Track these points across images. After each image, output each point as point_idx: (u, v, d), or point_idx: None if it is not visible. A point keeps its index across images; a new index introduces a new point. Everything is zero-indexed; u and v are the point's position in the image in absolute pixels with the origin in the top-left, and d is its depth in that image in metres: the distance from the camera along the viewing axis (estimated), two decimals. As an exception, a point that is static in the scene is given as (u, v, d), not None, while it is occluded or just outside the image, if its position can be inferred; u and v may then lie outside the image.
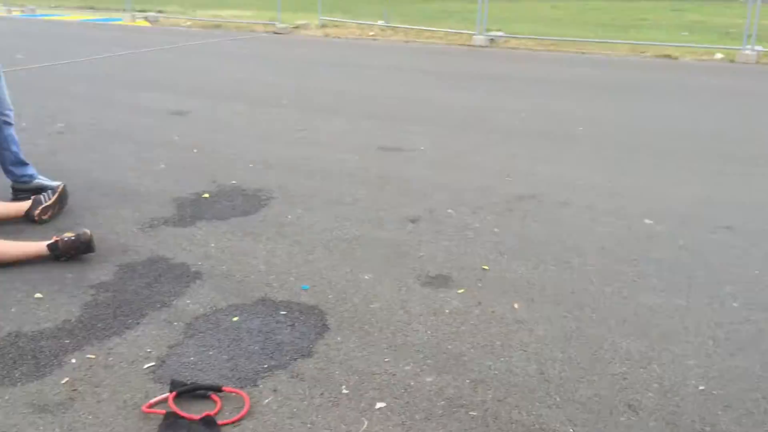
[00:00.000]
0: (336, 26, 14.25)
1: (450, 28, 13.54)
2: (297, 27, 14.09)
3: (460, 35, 12.73)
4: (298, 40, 12.99)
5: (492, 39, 12.15)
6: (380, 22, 14.17)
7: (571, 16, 16.29)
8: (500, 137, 5.96)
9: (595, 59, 10.71)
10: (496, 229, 4.00)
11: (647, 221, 4.15)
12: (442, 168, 5.12)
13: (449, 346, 2.81)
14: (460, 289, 3.29)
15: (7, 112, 4.29)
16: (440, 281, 3.38)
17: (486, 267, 3.52)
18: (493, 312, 3.08)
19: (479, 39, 12.02)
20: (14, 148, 4.34)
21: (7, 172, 4.37)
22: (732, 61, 10.41)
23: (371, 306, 3.14)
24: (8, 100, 4.30)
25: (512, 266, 3.53)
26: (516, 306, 3.13)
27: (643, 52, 11.11)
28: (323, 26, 14.21)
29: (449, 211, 4.29)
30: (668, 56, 10.79)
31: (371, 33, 13.50)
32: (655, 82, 8.74)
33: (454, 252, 3.71)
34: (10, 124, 4.31)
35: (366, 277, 3.42)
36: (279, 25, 13.84)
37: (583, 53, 11.29)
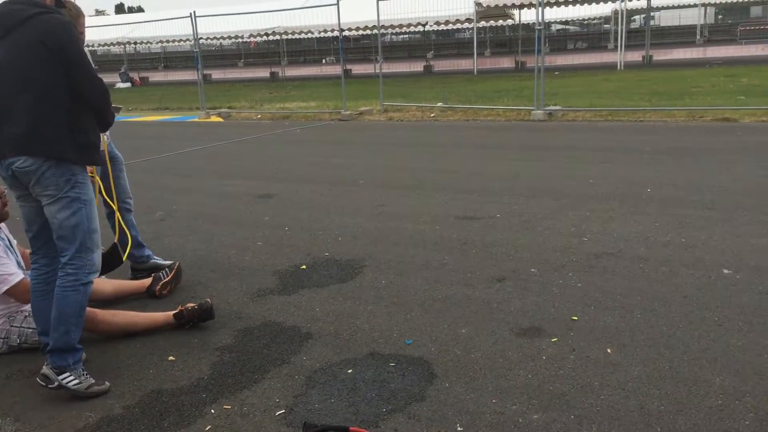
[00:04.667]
0: (398, 110, 14.93)
1: (507, 105, 14.04)
2: (361, 113, 14.83)
3: (518, 111, 13.19)
4: (364, 125, 13.67)
5: (550, 113, 12.55)
6: (439, 104, 14.79)
7: (624, 87, 16.64)
8: (571, 202, 6.23)
9: (654, 126, 10.95)
10: (579, 284, 4.24)
11: (726, 271, 4.32)
12: (519, 232, 5.41)
13: (551, 388, 3.04)
14: (554, 338, 3.53)
15: (128, 200, 4.82)
16: (533, 332, 3.62)
17: (575, 318, 3.75)
18: (587, 357, 3.30)
19: (538, 114, 12.45)
20: (133, 232, 4.83)
21: (129, 255, 4.85)
22: (793, 119, 10.51)
23: (472, 355, 3.40)
24: (129, 189, 4.83)
25: (600, 316, 3.75)
26: (609, 351, 3.35)
27: (701, 117, 11.31)
28: (385, 111, 14.91)
29: (532, 270, 4.55)
30: (727, 119, 10.95)
31: (432, 114, 14.10)
32: (716, 144, 8.92)
33: (542, 306, 3.95)
34: (130, 210, 4.83)
35: (463, 331, 3.69)
36: (344, 112, 14.61)
37: (641, 121, 11.55)
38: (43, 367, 3.18)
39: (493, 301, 4.07)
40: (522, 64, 28.49)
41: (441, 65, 32.30)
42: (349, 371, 3.32)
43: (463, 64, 30.94)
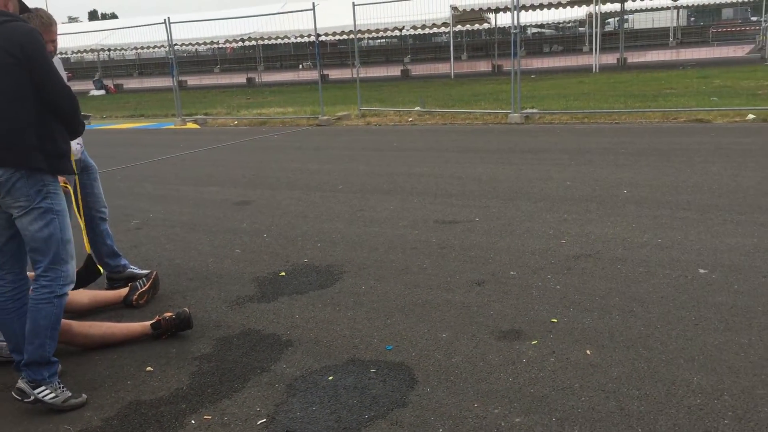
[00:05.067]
0: (375, 115, 14.94)
1: (484, 109, 14.11)
2: (339, 118, 14.81)
3: (496, 115, 13.26)
4: (341, 130, 13.65)
5: (527, 116, 12.63)
6: (417, 108, 14.82)
7: (598, 89, 16.79)
8: (549, 205, 6.26)
9: (629, 128, 11.06)
10: (558, 287, 4.26)
11: (701, 271, 4.36)
12: (498, 235, 5.42)
13: (532, 390, 3.05)
14: (534, 340, 3.54)
15: (102, 209, 4.76)
16: (513, 335, 3.63)
17: (555, 320, 3.77)
18: (567, 359, 3.32)
19: (515, 117, 12.51)
20: (109, 242, 4.78)
21: (103, 264, 4.79)
22: (765, 120, 10.66)
23: (452, 360, 3.40)
24: (103, 198, 4.77)
25: (579, 318, 3.77)
26: (588, 352, 3.37)
27: (675, 119, 11.45)
28: (363, 116, 14.90)
29: (511, 273, 4.57)
30: (700, 120, 11.09)
31: (409, 119, 14.12)
32: (689, 144, 9.02)
33: (521, 309, 3.97)
34: (105, 220, 4.77)
35: (443, 335, 3.69)
36: (322, 118, 14.57)
37: (616, 123, 11.66)
38: (19, 381, 3.13)
39: (473, 305, 4.07)
40: (499, 68, 28.65)
41: (418, 69, 32.38)
42: (330, 378, 3.30)
43: (441, 68, 31.06)
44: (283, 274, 4.90)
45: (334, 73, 33.61)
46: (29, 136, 3.03)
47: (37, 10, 4.06)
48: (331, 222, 6.23)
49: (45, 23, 3.99)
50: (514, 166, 8.25)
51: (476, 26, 35.92)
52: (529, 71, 24.18)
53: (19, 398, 3.11)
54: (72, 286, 3.29)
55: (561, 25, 47.62)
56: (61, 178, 3.30)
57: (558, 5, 24.34)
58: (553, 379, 3.13)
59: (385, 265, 4.92)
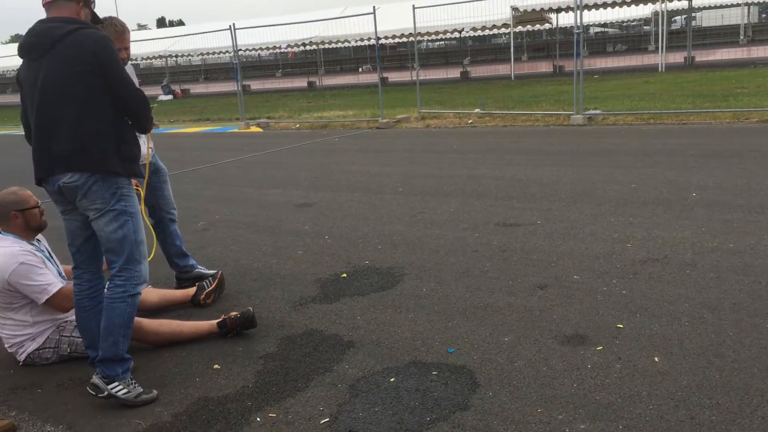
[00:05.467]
0: (435, 117, 14.92)
1: (545, 110, 13.92)
2: (398, 121, 14.85)
3: (557, 116, 13.06)
4: (401, 133, 13.69)
5: (590, 117, 12.40)
6: (477, 110, 14.74)
7: (665, 89, 16.35)
8: (613, 208, 6.14)
9: (698, 129, 10.74)
10: (624, 292, 4.17)
11: (777, 277, 4.21)
12: (560, 239, 5.35)
13: (597, 397, 3.00)
14: (599, 346, 3.48)
15: (172, 211, 4.90)
16: (577, 340, 3.57)
17: (621, 326, 3.69)
18: (634, 365, 3.25)
19: (577, 118, 12.30)
20: (177, 242, 4.91)
21: (172, 264, 4.94)
22: (844, 119, 10.21)
23: (515, 364, 3.37)
24: (173, 200, 4.91)
25: (646, 324, 3.69)
26: (657, 359, 3.29)
27: (746, 119, 11.05)
28: (423, 118, 14.90)
29: (575, 277, 4.50)
30: (774, 120, 10.69)
31: (469, 121, 14.05)
32: (762, 146, 8.70)
33: (586, 313, 3.90)
34: (174, 221, 4.91)
35: (505, 339, 3.66)
36: (382, 120, 14.65)
37: (684, 124, 11.34)
38: (93, 376, 3.25)
39: (536, 309, 4.03)
40: (560, 69, 28.22)
41: (478, 71, 32.20)
42: (392, 380, 3.32)
43: (501, 69, 30.81)
44: (344, 275, 4.94)
45: (394, 76, 33.72)
46: (105, 141, 3.14)
47: (111, 18, 4.22)
48: (392, 224, 6.25)
49: (119, 31, 4.14)
50: (576, 168, 8.12)
51: (537, 26, 35.47)
52: (592, 71, 23.74)
53: (94, 393, 3.23)
54: (145, 285, 3.40)
55: (625, 24, 46.55)
56: (133, 181, 3.42)
57: (622, 4, 23.83)
58: (619, 386, 3.07)
59: (446, 268, 4.91)
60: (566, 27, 33.35)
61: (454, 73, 32.11)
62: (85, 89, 3.09)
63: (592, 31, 47.28)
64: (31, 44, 3.14)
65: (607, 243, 5.15)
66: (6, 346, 3.85)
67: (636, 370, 3.21)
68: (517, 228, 5.77)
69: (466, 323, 3.92)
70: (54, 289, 3.68)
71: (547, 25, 33.65)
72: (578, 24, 12.34)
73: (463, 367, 3.39)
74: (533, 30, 40.53)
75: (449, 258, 5.13)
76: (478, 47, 49.26)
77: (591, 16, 31.98)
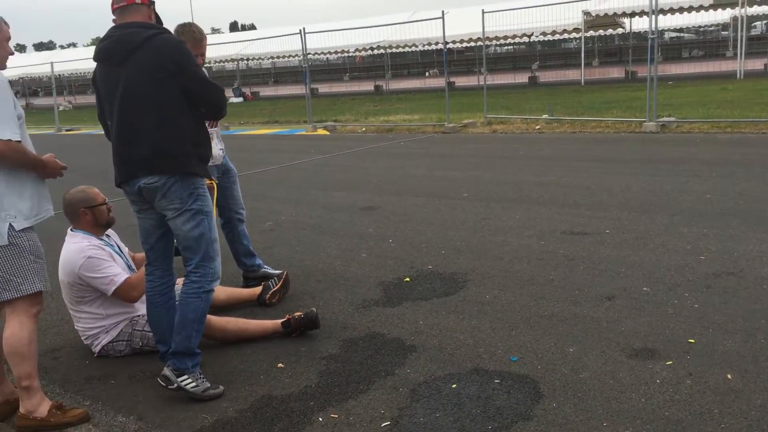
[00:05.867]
0: (502, 122, 14.79)
1: (616, 117, 13.62)
2: (464, 126, 14.78)
3: (629, 123, 12.76)
4: (467, 138, 13.62)
5: (663, 125, 12.06)
6: (545, 116, 14.54)
7: (743, 97, 15.76)
8: (686, 218, 5.96)
9: (778, 138, 10.32)
10: (696, 305, 4.04)
11: None
12: (630, 249, 5.22)
13: (666, 413, 2.91)
14: (668, 361, 3.38)
15: (241, 211, 5.01)
16: (646, 354, 3.48)
17: (692, 340, 3.58)
18: (706, 382, 3.14)
19: (650, 125, 11.99)
20: (245, 242, 5.02)
21: (239, 263, 5.05)
22: None
23: (580, 375, 3.31)
24: (241, 200, 5.02)
25: (719, 339, 3.56)
26: (729, 376, 3.17)
27: (832, 128, 10.57)
28: (489, 123, 14.80)
29: (645, 289, 4.38)
30: None
31: (537, 127, 13.87)
32: None
33: (655, 327, 3.80)
34: (242, 221, 5.02)
35: (571, 349, 3.60)
36: (448, 125, 14.61)
37: (763, 133, 10.91)
38: (164, 368, 3.35)
39: (603, 320, 3.94)
40: (632, 74, 27.57)
41: (546, 76, 31.76)
42: (453, 386, 3.31)
43: (570, 74, 30.29)
44: (407, 279, 4.95)
45: (461, 81, 33.58)
46: (184, 144, 3.24)
47: (189, 25, 4.35)
48: (456, 230, 6.23)
49: (197, 38, 4.27)
50: (648, 177, 7.91)
51: (609, 31, 34.76)
52: (666, 77, 23.10)
53: (164, 384, 3.33)
54: (218, 282, 3.49)
55: (702, 29, 45.07)
56: (207, 180, 3.52)
57: (699, 8, 23.08)
58: (689, 403, 2.98)
59: (510, 275, 4.86)
60: (640, 32, 32.48)
61: (522, 78, 31.76)
62: (166, 94, 3.18)
63: (666, 36, 45.98)
64: (109, 50, 3.23)
65: (679, 255, 5.00)
66: (82, 338, 4.00)
67: (707, 387, 3.10)
68: (584, 237, 5.67)
69: (530, 332, 3.87)
70: (120, 280, 3.81)
71: (619, 30, 32.95)
72: (653, 29, 12.03)
73: (526, 376, 3.35)
74: (605, 35, 39.71)
75: (513, 265, 5.08)
76: (547, 52, 48.51)
77: (666, 21, 31.13)
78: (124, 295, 3.83)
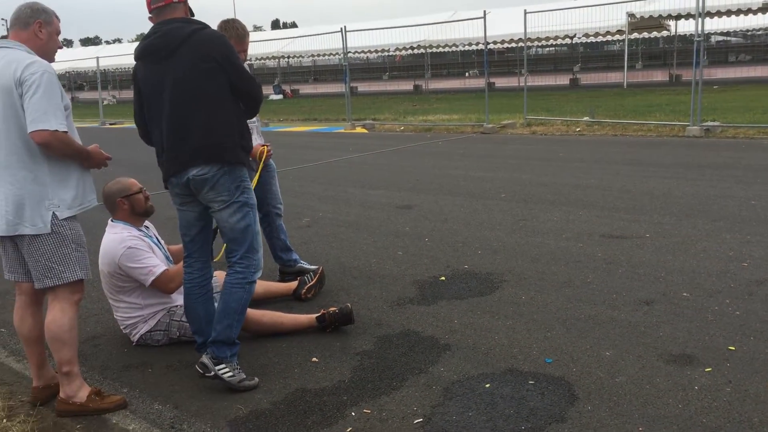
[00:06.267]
0: (541, 124, 14.66)
1: (659, 120, 13.39)
2: (503, 126, 14.69)
3: (672, 127, 12.53)
4: (506, 138, 13.53)
5: (707, 129, 11.83)
6: (586, 118, 14.37)
7: (793, 101, 15.40)
8: (729, 224, 5.83)
9: (828, 144, 10.04)
10: (737, 312, 3.96)
11: None
12: (670, 254, 5.13)
13: (704, 420, 2.86)
14: (707, 368, 3.32)
15: (279, 205, 5.06)
16: (684, 360, 3.42)
17: (732, 348, 3.51)
18: (746, 390, 3.08)
19: (693, 130, 11.76)
20: (282, 237, 5.07)
21: (276, 257, 5.09)
22: None
23: (616, 380, 3.27)
24: (280, 195, 5.07)
25: (761, 347, 3.49)
26: (771, 385, 3.10)
27: None
28: (529, 125, 14.68)
29: (684, 294, 4.30)
30: None
31: (577, 129, 13.71)
32: None
33: (695, 333, 3.73)
34: (280, 216, 5.07)
35: (607, 353, 3.55)
36: (487, 126, 14.54)
37: (812, 139, 10.64)
38: (203, 356, 3.40)
39: (640, 325, 3.88)
40: (677, 78, 27.09)
41: (588, 78, 31.37)
42: (487, 386, 3.29)
43: (612, 77, 29.87)
44: (443, 278, 4.94)
45: (501, 81, 33.38)
46: (234, 134, 3.32)
47: (233, 21, 4.41)
48: (493, 230, 6.19)
49: (240, 34, 4.32)
50: (690, 182, 7.77)
51: (654, 34, 34.20)
52: (711, 82, 22.64)
53: (201, 372, 3.38)
54: (260, 273, 3.54)
55: (750, 33, 44.06)
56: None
57: (748, 11, 22.57)
58: (728, 411, 2.92)
59: (547, 277, 4.82)
60: (685, 34, 31.90)
61: (563, 79, 31.42)
62: (214, 86, 3.26)
63: (713, 39, 45.06)
64: (155, 45, 3.28)
65: (721, 261, 4.90)
66: (121, 327, 4.08)
67: (747, 395, 3.04)
68: (623, 240, 5.59)
69: (566, 334, 3.83)
70: (159, 271, 3.87)
71: (664, 32, 32.39)
72: (699, 32, 11.80)
73: (561, 378, 3.32)
74: (649, 37, 39.08)
75: (550, 267, 5.03)
76: (589, 54, 47.97)
77: (713, 24, 30.48)
78: (162, 286, 3.90)
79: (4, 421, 3.21)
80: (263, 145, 4.53)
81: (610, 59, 43.06)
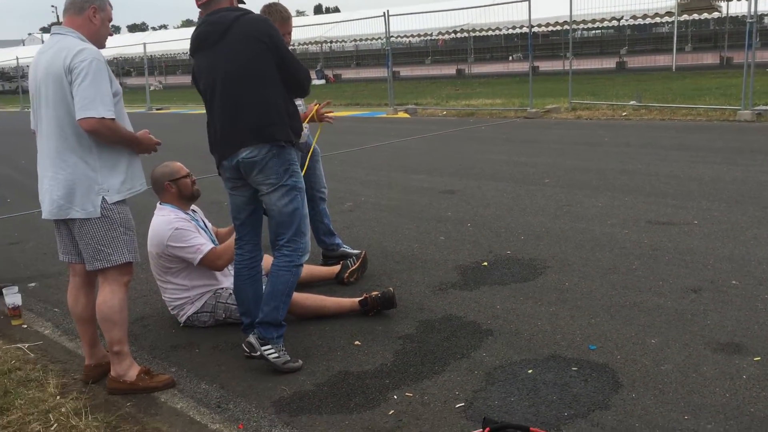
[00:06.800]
0: (587, 108, 14.42)
1: (709, 104, 13.05)
2: (547, 111, 14.50)
3: (722, 111, 12.20)
4: (550, 123, 13.36)
5: (759, 113, 11.48)
6: (632, 102, 14.08)
7: None
8: (782, 211, 5.68)
9: None
10: (789, 301, 3.87)
11: None
12: (719, 241, 5.02)
13: (752, 410, 2.81)
14: (756, 357, 3.25)
15: (323, 189, 5.10)
16: (732, 349, 3.36)
17: (783, 337, 3.43)
18: (797, 381, 3.01)
19: (745, 114, 11.43)
20: (326, 221, 5.11)
21: (320, 241, 5.14)
22: None
23: (662, 367, 3.23)
24: (324, 179, 5.11)
25: (814, 338, 3.40)
26: (823, 376, 3.03)
27: None
28: (573, 109, 14.45)
29: (733, 282, 4.21)
30: None
31: (623, 113, 13.45)
32: None
33: (743, 321, 3.65)
34: (324, 200, 5.11)
35: (652, 341, 3.51)
36: (530, 110, 14.37)
37: None
38: (250, 336, 3.47)
39: (687, 313, 3.82)
40: (728, 60, 26.31)
41: (635, 61, 30.67)
42: (530, 371, 3.28)
43: (661, 60, 29.16)
44: (485, 264, 4.93)
45: (545, 65, 32.86)
46: (282, 114, 3.38)
47: (276, 5, 4.43)
48: (536, 216, 6.14)
49: (284, 18, 4.35)
50: (741, 167, 7.57)
51: (704, 15, 33.22)
52: (764, 64, 21.93)
53: (248, 351, 3.45)
54: (308, 256, 3.59)
55: (807, 13, 42.46)
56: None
57: (804, -10, 21.74)
58: (778, 401, 2.86)
59: (591, 263, 4.76)
60: (737, 16, 30.93)
61: (610, 63, 30.82)
62: (264, 67, 3.32)
63: (766, 20, 43.56)
64: (206, 32, 3.38)
65: (773, 248, 4.78)
66: (169, 308, 4.18)
67: (798, 386, 2.97)
68: (670, 227, 5.49)
69: (611, 321, 3.79)
70: (206, 249, 3.95)
71: (715, 14, 31.43)
72: (752, 12, 11.43)
73: (605, 365, 3.29)
74: (699, 18, 37.98)
75: (595, 253, 4.97)
76: (636, 36, 46.86)
77: (766, 5, 29.49)
78: (209, 263, 3.98)
79: (58, 397, 3.33)
80: (315, 104, 4.54)
81: (659, 42, 42.02)
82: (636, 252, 4.93)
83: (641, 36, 47.18)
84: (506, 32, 34.80)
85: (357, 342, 3.76)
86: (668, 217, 5.76)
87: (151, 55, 35.36)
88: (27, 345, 4.01)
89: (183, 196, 4.13)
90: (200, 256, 3.94)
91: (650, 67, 27.85)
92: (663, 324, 3.70)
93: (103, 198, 3.20)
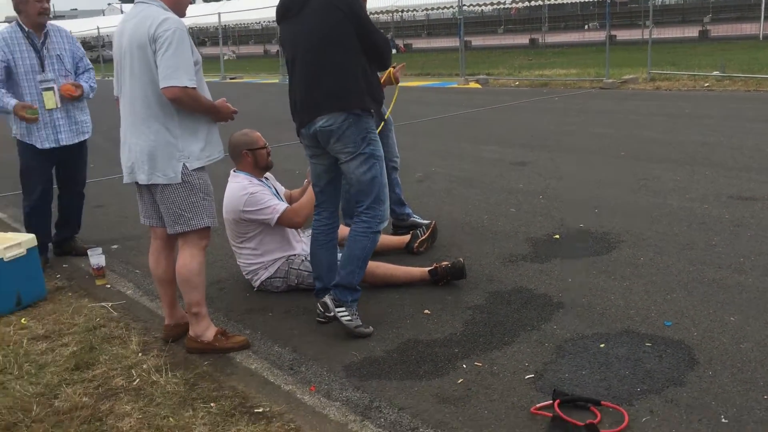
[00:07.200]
0: (666, 79, 13.90)
1: (800, 74, 12.39)
2: (624, 81, 14.04)
3: (814, 81, 11.59)
4: (627, 94, 12.95)
5: None
6: (715, 73, 13.49)
7: None
8: None
9: None
10: None
11: None
12: (806, 218, 4.81)
13: (837, 393, 2.70)
14: None
15: (395, 159, 5.10)
16: (818, 330, 3.23)
17: None
18: None
19: (838, 84, 10.83)
20: (397, 190, 5.12)
21: (390, 211, 5.15)
22: None
23: (741, 346, 3.13)
24: (396, 149, 5.12)
25: None
26: None
27: None
28: (652, 80, 13.95)
29: (821, 261, 4.04)
30: None
31: (705, 84, 12.91)
32: None
33: (832, 302, 3.50)
34: (396, 169, 5.11)
35: (732, 318, 3.41)
36: (606, 81, 13.95)
37: None
38: (326, 297, 3.54)
39: (770, 291, 3.69)
40: (821, 28, 24.78)
41: (719, 30, 29.27)
42: (602, 345, 3.24)
43: (747, 28, 27.70)
44: (557, 237, 4.86)
45: (622, 34, 31.71)
46: (361, 82, 3.41)
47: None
48: (611, 188, 6.00)
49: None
50: (833, 141, 7.19)
51: (797, -21, 31.32)
52: None
53: (321, 310, 3.54)
54: (386, 224, 3.63)
55: None
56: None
57: None
58: None
59: (668, 238, 4.63)
60: (834, -20, 29.04)
61: (692, 31, 29.47)
62: (344, 35, 3.35)
63: None
64: (287, 4, 3.48)
65: None
66: (243, 273, 4.30)
67: None
68: (753, 202, 5.27)
69: (688, 297, 3.69)
70: (282, 208, 4.04)
71: (809, -22, 29.60)
72: None
73: (680, 342, 3.22)
74: (791, -17, 35.88)
75: (672, 228, 4.83)
76: (721, 3, 44.68)
77: None
78: (287, 221, 4.06)
79: (140, 354, 3.48)
80: (392, 66, 4.55)
81: (745, 9, 39.87)
82: (716, 228, 4.77)
83: (726, 3, 44.91)
84: (582, 0, 33.77)
85: (426, 311, 3.79)
86: (751, 192, 5.53)
87: (225, 25, 35.92)
88: (111, 304, 4.20)
89: (258, 165, 4.21)
90: (277, 215, 4.02)
91: (735, 35, 26.51)
92: (744, 302, 3.58)
93: (184, 164, 3.30)
